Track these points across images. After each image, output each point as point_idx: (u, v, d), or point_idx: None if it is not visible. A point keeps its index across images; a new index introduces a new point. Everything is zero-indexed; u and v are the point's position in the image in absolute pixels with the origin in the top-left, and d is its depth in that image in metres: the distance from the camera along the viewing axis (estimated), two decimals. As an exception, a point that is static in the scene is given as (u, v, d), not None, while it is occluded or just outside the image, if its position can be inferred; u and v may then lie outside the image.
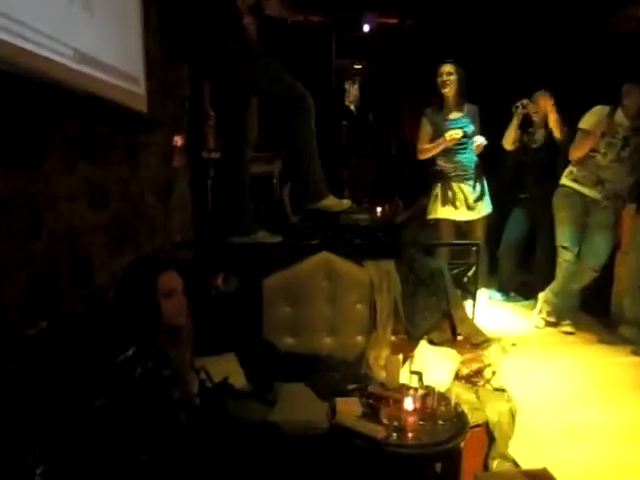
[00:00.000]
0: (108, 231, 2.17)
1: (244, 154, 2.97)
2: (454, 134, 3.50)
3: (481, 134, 3.58)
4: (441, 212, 3.65)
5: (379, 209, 4.08)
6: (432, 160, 3.69)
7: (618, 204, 3.31)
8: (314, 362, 2.76)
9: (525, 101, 3.63)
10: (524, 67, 3.95)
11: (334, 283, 2.82)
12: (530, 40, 4.12)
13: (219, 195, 3.09)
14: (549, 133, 3.69)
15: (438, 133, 3.60)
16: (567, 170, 3.42)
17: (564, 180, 3.42)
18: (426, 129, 3.66)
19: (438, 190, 3.67)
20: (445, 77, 3.55)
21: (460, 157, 3.61)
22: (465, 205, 3.61)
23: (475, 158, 3.63)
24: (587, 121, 3.26)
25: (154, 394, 1.55)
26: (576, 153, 3.33)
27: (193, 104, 3.25)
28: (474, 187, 3.62)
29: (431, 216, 3.70)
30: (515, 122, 3.68)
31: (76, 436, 1.45)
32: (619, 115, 3.20)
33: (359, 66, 4.45)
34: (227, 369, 2.28)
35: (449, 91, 3.56)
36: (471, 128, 3.57)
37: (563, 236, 3.41)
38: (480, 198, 3.63)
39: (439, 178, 3.67)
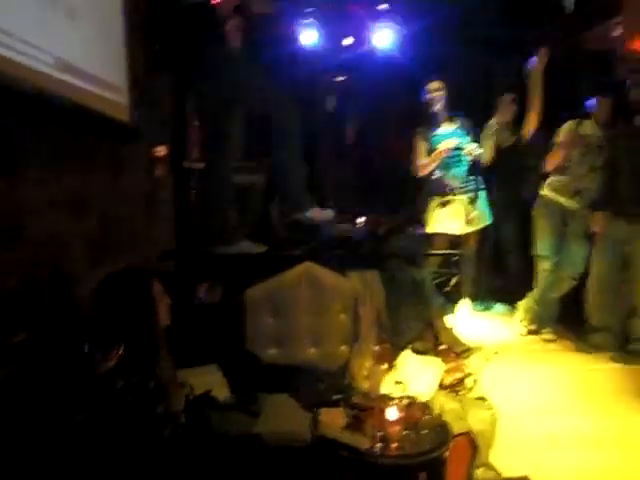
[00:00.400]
0: (89, 241, 2.15)
1: (228, 164, 2.97)
2: (447, 143, 3.55)
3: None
4: (439, 226, 3.70)
5: (362, 219, 4.10)
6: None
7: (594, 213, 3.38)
8: (298, 373, 2.74)
9: (492, 123, 3.69)
10: (504, 80, 4.05)
11: (317, 293, 2.81)
12: (508, 54, 4.21)
13: (202, 205, 3.08)
14: (517, 137, 3.76)
15: (434, 148, 3.66)
16: (547, 180, 3.50)
17: (544, 190, 3.50)
18: (422, 146, 3.72)
19: (435, 204, 3.72)
20: (434, 93, 3.61)
21: (455, 170, 3.66)
22: (463, 218, 3.66)
23: (470, 169, 3.68)
24: (559, 134, 3.38)
25: (137, 408, 1.53)
26: (549, 164, 3.46)
27: (177, 113, 3.24)
28: (471, 199, 3.67)
29: (429, 230, 3.74)
30: (490, 143, 3.73)
31: (55, 451, 1.42)
32: (591, 126, 3.30)
33: (342, 78, 4.52)
34: (210, 381, 2.27)
35: (440, 106, 3.62)
36: (466, 139, 3.61)
37: (541, 245, 3.48)
38: (478, 210, 3.68)
39: (436, 192, 3.72)
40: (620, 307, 3.26)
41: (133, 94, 2.51)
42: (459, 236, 3.71)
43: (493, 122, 3.73)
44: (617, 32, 3.60)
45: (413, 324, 2.92)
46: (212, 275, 2.95)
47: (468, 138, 3.66)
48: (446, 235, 3.70)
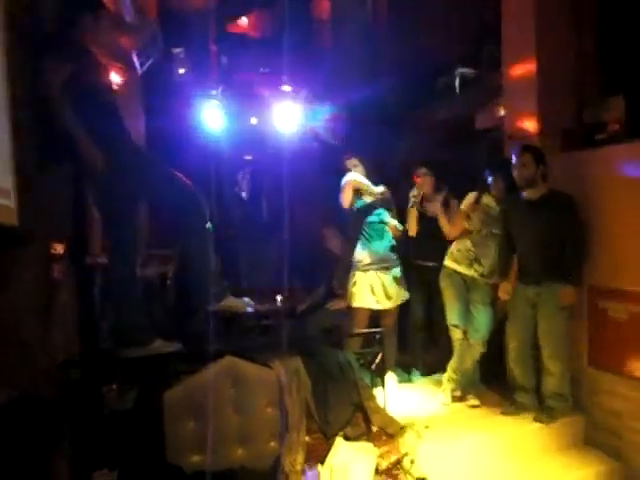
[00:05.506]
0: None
1: (133, 259, 2.80)
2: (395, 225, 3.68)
3: None
4: (360, 300, 3.69)
5: (279, 297, 4.01)
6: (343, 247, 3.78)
7: (494, 281, 3.50)
8: (226, 478, 2.56)
9: (414, 194, 3.83)
10: (405, 154, 4.24)
11: (241, 389, 2.66)
12: (408, 131, 4.46)
13: (109, 304, 2.85)
14: (441, 204, 3.87)
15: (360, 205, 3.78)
16: (449, 250, 3.62)
17: (446, 261, 3.62)
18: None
19: (356, 279, 3.73)
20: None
21: (376, 244, 3.72)
22: (384, 294, 3.67)
23: (392, 245, 3.75)
24: (462, 203, 3.56)
25: None
26: (453, 231, 3.61)
27: (75, 207, 3.03)
28: (391, 274, 3.72)
29: (352, 304, 3.73)
30: (413, 214, 3.84)
31: None
32: (490, 198, 3.50)
33: (249, 157, 4.56)
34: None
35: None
36: (388, 214, 3.74)
37: (452, 314, 3.57)
38: (397, 285, 3.74)
39: (356, 265, 3.75)
40: (535, 367, 3.37)
41: (23, 193, 2.31)
42: (378, 310, 3.72)
43: (413, 194, 3.84)
44: (502, 112, 3.93)
45: (342, 409, 2.83)
46: (123, 379, 2.71)
47: (390, 213, 3.76)
48: (366, 309, 3.70)
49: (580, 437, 3.35)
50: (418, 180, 3.85)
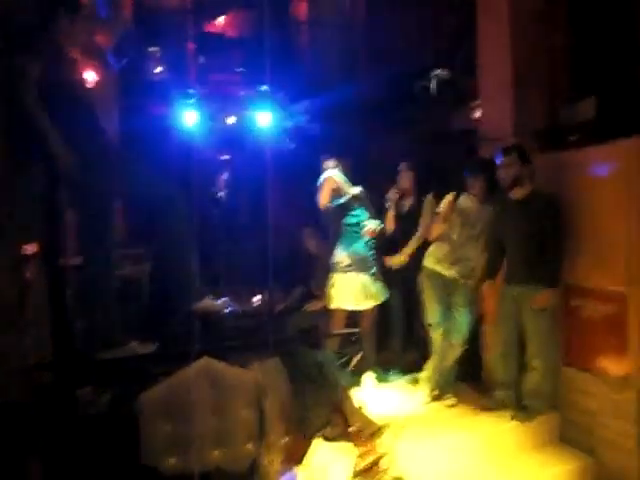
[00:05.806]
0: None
1: (108, 257, 2.76)
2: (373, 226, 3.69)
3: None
4: (339, 302, 3.67)
5: (257, 297, 3.99)
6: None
7: (475, 282, 3.51)
8: (202, 480, 2.53)
9: (392, 194, 3.86)
10: (382, 156, 4.26)
11: (218, 390, 2.63)
12: (385, 133, 4.49)
13: (82, 306, 2.79)
14: (415, 201, 3.92)
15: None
16: (428, 251, 3.63)
17: (425, 261, 3.61)
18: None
19: (335, 280, 3.71)
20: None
21: (356, 245, 3.72)
22: (364, 294, 3.67)
23: (370, 244, 3.76)
24: (440, 206, 3.57)
25: None
26: (432, 233, 3.59)
27: (49, 206, 2.96)
28: (371, 274, 3.73)
29: (330, 305, 3.71)
30: (391, 213, 3.88)
31: None
32: (469, 200, 3.52)
33: (227, 157, 4.53)
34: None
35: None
36: (366, 215, 3.76)
37: (430, 314, 3.57)
38: (377, 284, 3.74)
39: (335, 267, 3.73)
40: (518, 365, 3.40)
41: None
42: (357, 311, 3.72)
43: (392, 192, 3.86)
44: (477, 114, 3.97)
45: (321, 410, 2.82)
46: (98, 381, 2.66)
47: (368, 214, 3.77)
48: (344, 311, 3.70)
49: (555, 434, 3.39)
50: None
